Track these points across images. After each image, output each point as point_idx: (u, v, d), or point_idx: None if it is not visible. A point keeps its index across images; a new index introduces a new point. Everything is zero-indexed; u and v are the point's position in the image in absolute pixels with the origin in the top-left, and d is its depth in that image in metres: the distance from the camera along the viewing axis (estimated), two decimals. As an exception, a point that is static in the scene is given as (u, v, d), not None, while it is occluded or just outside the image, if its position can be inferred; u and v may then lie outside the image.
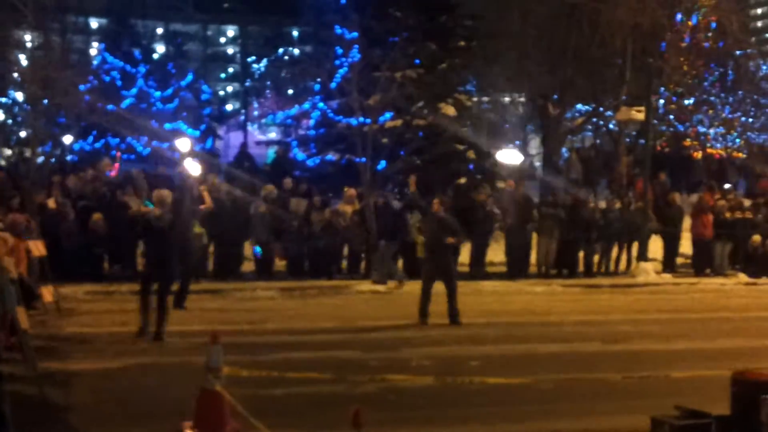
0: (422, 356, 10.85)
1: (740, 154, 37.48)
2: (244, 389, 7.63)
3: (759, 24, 45.37)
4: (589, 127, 33.94)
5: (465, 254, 19.36)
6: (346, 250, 19.05)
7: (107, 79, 34.78)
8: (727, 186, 27.21)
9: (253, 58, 52.09)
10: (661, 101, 30.84)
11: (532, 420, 8.09)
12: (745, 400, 7.51)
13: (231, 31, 70.15)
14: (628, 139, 28.37)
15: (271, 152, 31.24)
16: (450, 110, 23.82)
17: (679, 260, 20.88)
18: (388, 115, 22.33)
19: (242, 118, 46.92)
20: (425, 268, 13.68)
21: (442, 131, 23.41)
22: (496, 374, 9.77)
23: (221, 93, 59.16)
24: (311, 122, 26.27)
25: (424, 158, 22.68)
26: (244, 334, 12.07)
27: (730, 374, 7.75)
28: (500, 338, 12.31)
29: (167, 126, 34.01)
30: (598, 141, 36.50)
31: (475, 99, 28.40)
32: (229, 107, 54.62)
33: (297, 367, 9.58)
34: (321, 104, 25.06)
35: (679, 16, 24.82)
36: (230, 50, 69.32)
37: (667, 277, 19.78)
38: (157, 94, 36.73)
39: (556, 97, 27.52)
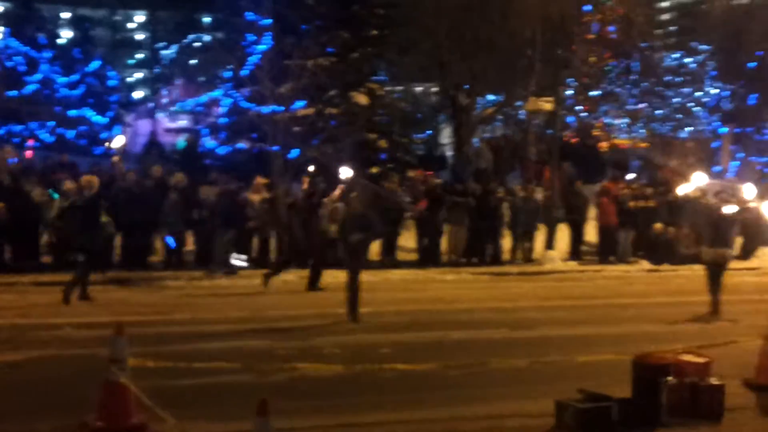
0: (332, 345, 10.85)
1: (645, 144, 38.45)
2: (150, 380, 7.50)
3: (664, 17, 46.59)
4: (500, 117, 34.38)
5: (375, 243, 19.43)
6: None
7: (10, 64, 33.74)
8: (631, 175, 27.91)
9: (163, 44, 51.20)
10: (569, 92, 31.41)
11: (441, 406, 8.16)
12: (645, 383, 7.75)
13: (140, 17, 68.73)
14: (536, 129, 28.84)
15: (181, 140, 30.81)
16: (362, 99, 23.88)
17: (585, 248, 21.33)
18: (300, 103, 22.25)
19: (151, 105, 46.09)
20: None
21: (354, 120, 23.43)
22: (406, 361, 9.80)
23: (129, 80, 57.92)
24: (222, 110, 25.99)
25: (337, 147, 22.68)
26: (151, 325, 11.88)
27: (632, 358, 7.98)
28: (410, 326, 12.39)
29: (73, 113, 33.17)
30: (507, 131, 36.99)
31: (387, 88, 28.50)
32: (137, 94, 53.55)
33: (205, 358, 9.46)
34: (232, 92, 24.81)
35: (586, 8, 25.30)
36: (139, 36, 67.91)
37: (573, 264, 20.20)
38: (63, 80, 35.78)
39: (467, 87, 27.79)
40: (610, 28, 29.49)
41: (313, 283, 15.77)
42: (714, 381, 7.90)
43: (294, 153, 21.55)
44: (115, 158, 16.10)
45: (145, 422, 7.04)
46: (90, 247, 13.66)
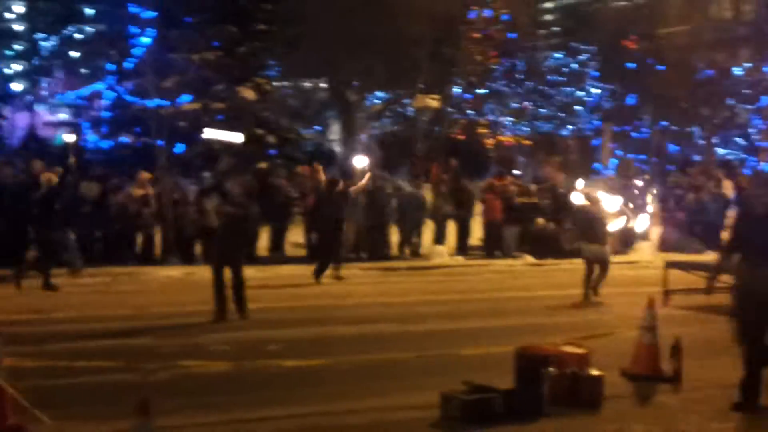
0: (218, 341, 10.71)
1: (528, 142, 39.28)
2: (27, 381, 7.26)
3: (547, 17, 47.76)
4: (388, 113, 34.59)
5: (264, 239, 19.32)
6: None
7: None
8: (516, 172, 28.50)
9: (43, 35, 49.40)
10: (456, 90, 31.86)
11: (329, 401, 8.16)
12: (527, 373, 7.91)
13: (19, 7, 66.22)
14: (424, 126, 29.15)
15: (60, 135, 29.85)
16: (250, 94, 23.65)
17: (471, 243, 21.66)
18: (185, 97, 21.86)
19: (30, 98, 44.40)
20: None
21: (241, 115, 23.18)
22: (294, 357, 9.79)
23: (7, 71, 55.70)
24: (105, 103, 25.34)
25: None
26: (30, 324, 11.51)
27: (515, 350, 8.15)
28: (299, 322, 12.34)
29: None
30: (396, 127, 37.25)
31: (275, 83, 28.30)
32: (15, 87, 51.52)
33: (86, 356, 9.22)
34: (115, 85, 24.22)
35: (473, 8, 25.71)
36: (17, 27, 65.42)
37: (460, 259, 20.50)
38: (-63, 72, 34.15)
39: (356, 83, 27.86)
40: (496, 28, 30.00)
41: (318, 274, 16.37)
42: (593, 371, 8.13)
43: (179, 148, 21.18)
44: None
45: (22, 424, 6.80)
46: None
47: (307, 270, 18.10)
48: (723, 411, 7.96)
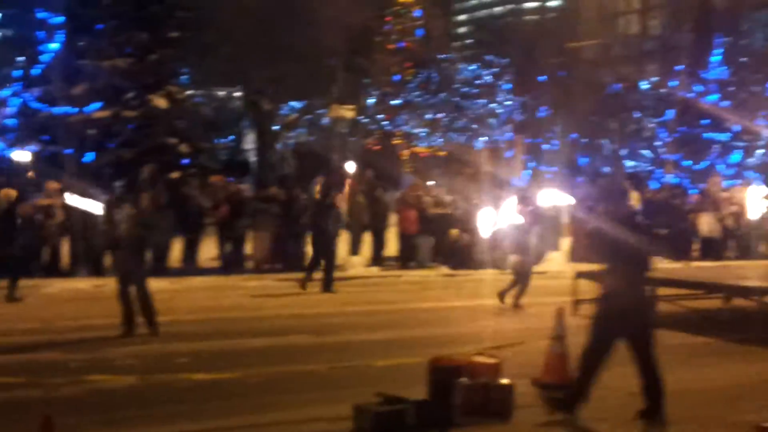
0: (126, 355, 10.48)
1: (443, 153, 39.68)
2: None
3: (461, 30, 48.35)
4: (304, 123, 34.52)
5: (177, 250, 19.04)
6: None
7: None
8: (430, 183, 28.70)
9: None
10: (371, 100, 31.99)
11: (239, 414, 8.05)
12: (440, 384, 7.94)
13: None
14: (339, 136, 29.15)
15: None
16: (162, 102, 23.26)
17: (386, 254, 21.71)
18: (95, 105, 21.40)
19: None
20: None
21: (153, 124, 22.80)
22: (205, 370, 9.64)
23: None
24: (11, 110, 24.64)
25: (135, 151, 21.98)
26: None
27: (428, 361, 8.18)
28: (210, 334, 12.16)
29: None
30: (311, 137, 37.20)
31: (188, 92, 27.94)
32: None
33: (-12, 372, 8.91)
34: (21, 92, 23.57)
35: (388, 21, 25.85)
36: None
37: (375, 270, 20.52)
38: None
39: (270, 93, 27.72)
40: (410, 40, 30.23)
41: (328, 285, 16.80)
42: (504, 381, 8.20)
43: (89, 157, 20.72)
44: None
45: None
46: None
47: (221, 281, 17.91)
48: (631, 418, 8.12)
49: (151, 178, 14.00)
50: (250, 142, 35.69)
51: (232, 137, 34.20)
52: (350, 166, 18.17)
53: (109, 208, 17.81)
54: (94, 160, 21.10)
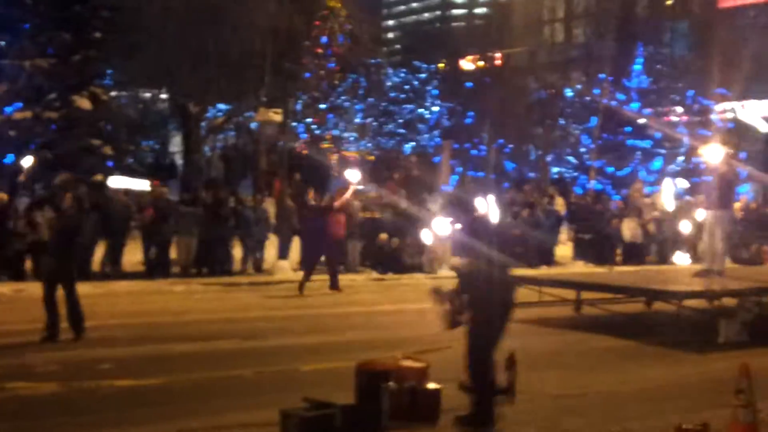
0: (48, 361, 10.23)
1: (372, 157, 39.77)
2: None
3: (390, 35, 48.53)
4: (231, 126, 34.21)
5: (100, 254, 18.69)
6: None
7: None
8: (359, 187, 28.67)
9: None
10: (299, 104, 31.89)
11: (164, 421, 7.92)
12: (367, 389, 7.93)
13: None
14: (267, 140, 28.99)
15: None
16: (85, 103, 22.84)
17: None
18: (16, 105, 20.91)
19: None
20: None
21: (76, 125, 22.35)
22: (129, 377, 9.47)
23: None
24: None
25: (57, 153, 21.53)
26: None
27: (355, 365, 8.16)
28: (134, 340, 11.96)
29: None
30: (239, 141, 36.91)
31: (113, 93, 27.48)
32: None
33: None
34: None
35: (316, 24, 25.81)
36: None
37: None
38: None
39: (197, 95, 27.42)
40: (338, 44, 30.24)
41: (334, 284, 17.50)
42: (432, 385, 8.23)
43: (9, 158, 20.22)
44: None
45: None
46: None
47: (146, 286, 17.63)
48: (555, 421, 8.23)
49: (68, 183, 13.65)
50: (176, 144, 35.26)
51: (157, 140, 33.72)
52: (352, 174, 18.48)
53: (30, 210, 17.52)
54: (14, 162, 20.59)
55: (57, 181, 14.23)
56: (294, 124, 34.87)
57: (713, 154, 15.62)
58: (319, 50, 28.51)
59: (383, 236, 21.38)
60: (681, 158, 34.38)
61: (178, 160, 32.88)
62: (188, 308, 15.29)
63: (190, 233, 19.34)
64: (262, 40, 23.76)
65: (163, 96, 32.90)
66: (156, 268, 19.00)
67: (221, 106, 31.16)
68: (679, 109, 35.38)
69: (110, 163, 23.19)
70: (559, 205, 25.33)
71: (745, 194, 30.58)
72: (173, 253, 19.64)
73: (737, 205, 22.17)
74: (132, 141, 25.20)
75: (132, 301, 15.90)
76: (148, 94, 34.74)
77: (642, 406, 8.97)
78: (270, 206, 21.66)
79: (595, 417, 8.42)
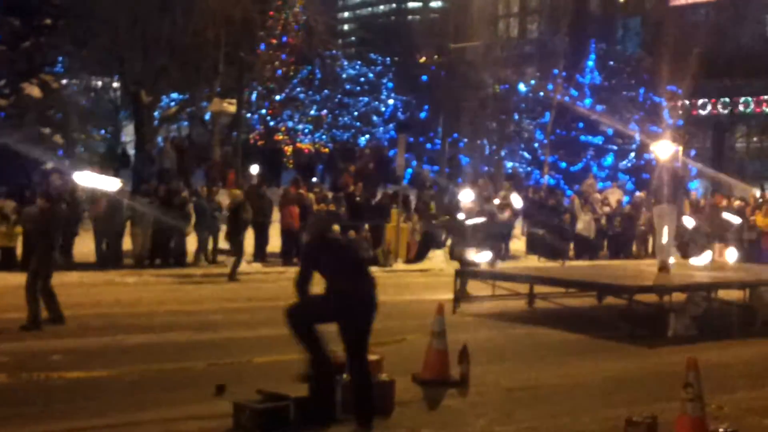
0: (-3, 353, 10.08)
1: (327, 150, 39.66)
2: None
3: (345, 27, 48.49)
4: (185, 116, 33.85)
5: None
6: None
7: None
8: (314, 179, 28.63)
9: None
10: (254, 95, 31.65)
11: (114, 412, 7.84)
12: (322, 381, 7.91)
13: None
14: (221, 131, 28.76)
15: None
16: (35, 91, 22.44)
17: (269, 250, 21.54)
18: (-37, 92, 20.50)
19: None
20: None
21: (25, 113, 21.96)
22: (79, 368, 9.37)
23: None
24: None
25: (6, 141, 21.13)
26: None
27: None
28: (85, 331, 11.82)
29: None
30: (193, 131, 36.57)
31: (64, 81, 27.04)
32: None
33: None
34: None
35: (271, 15, 25.65)
36: None
37: (258, 266, 20.33)
38: None
39: (150, 84, 27.04)
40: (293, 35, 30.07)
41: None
42: (385, 377, 8.24)
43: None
44: None
45: None
46: None
47: (98, 277, 17.41)
48: (508, 413, 8.29)
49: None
50: (128, 134, 34.79)
51: (109, 129, 33.25)
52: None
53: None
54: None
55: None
56: (248, 115, 34.68)
57: (664, 150, 15.86)
58: (274, 41, 28.33)
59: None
60: (632, 154, 34.79)
61: (130, 150, 32.45)
62: (140, 300, 15.15)
63: (144, 224, 19.13)
64: (216, 29, 23.48)
65: (115, 84, 32.44)
66: (108, 259, 18.78)
67: (175, 95, 30.85)
68: (631, 106, 35.77)
69: (60, 152, 22.83)
70: (515, 199, 25.47)
71: (695, 191, 31.08)
72: (126, 244, 19.42)
73: (687, 202, 22.54)
74: (83, 130, 24.81)
75: (83, 293, 15.69)
76: (99, 83, 34.22)
77: (593, 398, 9.08)
78: (224, 198, 21.50)
79: (547, 409, 8.51)
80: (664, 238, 15.14)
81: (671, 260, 15.24)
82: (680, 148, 16.26)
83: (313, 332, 7.76)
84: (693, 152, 36.27)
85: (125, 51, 25.72)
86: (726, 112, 43.83)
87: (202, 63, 26.97)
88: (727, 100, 43.26)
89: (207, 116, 30.44)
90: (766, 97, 42.36)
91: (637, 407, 8.05)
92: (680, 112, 38.13)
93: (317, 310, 7.80)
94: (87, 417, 7.70)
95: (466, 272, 15.46)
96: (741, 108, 43.44)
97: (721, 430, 7.06)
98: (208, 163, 27.74)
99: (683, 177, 15.91)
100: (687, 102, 40.20)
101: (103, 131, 31.98)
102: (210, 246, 20.51)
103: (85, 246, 19.28)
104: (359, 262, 8.25)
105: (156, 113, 28.28)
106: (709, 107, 43.92)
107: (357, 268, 7.98)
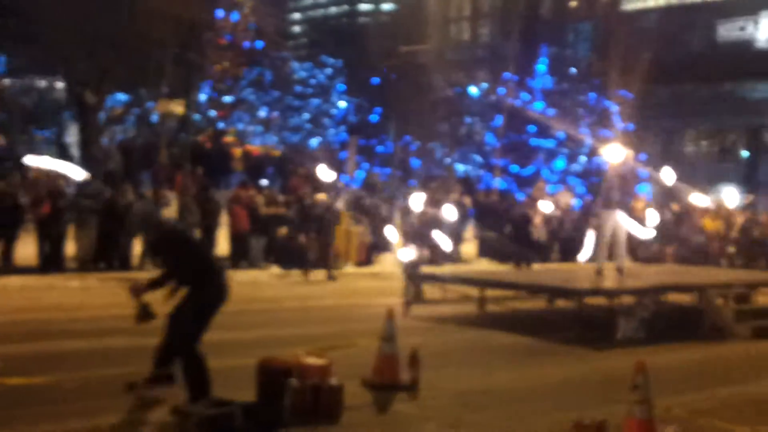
0: (-70, 360, 9.72)
1: (277, 152, 39.39)
2: None
3: (296, 29, 48.20)
4: (131, 117, 33.37)
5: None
6: None
7: None
8: (263, 182, 28.39)
9: None
10: (203, 96, 31.29)
11: (54, 420, 7.60)
12: (269, 386, 7.77)
13: None
14: (169, 132, 28.37)
15: None
16: (-24, 91, 21.94)
17: (217, 253, 21.23)
18: None
19: None
20: None
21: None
22: (18, 374, 9.07)
23: None
24: None
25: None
26: None
27: (257, 362, 7.97)
28: (25, 336, 11.47)
29: None
30: (139, 132, 36.05)
31: (6, 81, 26.47)
32: None
33: None
34: None
35: (219, 14, 25.34)
36: None
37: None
38: None
39: (95, 84, 26.59)
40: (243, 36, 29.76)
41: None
42: (334, 382, 8.10)
43: None
44: None
45: None
46: None
47: (40, 281, 16.99)
48: (458, 418, 8.19)
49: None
50: (72, 135, 34.13)
51: (53, 130, 32.61)
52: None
53: None
54: None
55: None
56: (197, 116, 34.28)
57: (614, 154, 15.91)
58: (223, 42, 28.03)
59: (284, 230, 21.15)
60: (583, 158, 35.06)
61: (75, 152, 31.87)
62: (82, 304, 14.78)
63: (89, 227, 18.73)
64: (162, 30, 23.12)
65: (60, 84, 31.83)
66: (50, 263, 18.34)
67: (121, 96, 30.35)
68: (581, 110, 36.09)
69: (1, 153, 22.31)
70: (465, 202, 25.47)
71: (645, 195, 31.41)
72: (70, 248, 19.00)
73: (640, 205, 22.73)
74: (26, 131, 24.25)
75: (24, 297, 15.29)
76: (43, 83, 33.56)
77: (542, 402, 9.02)
78: (171, 200, 21.15)
79: (497, 413, 8.44)
80: (613, 242, 15.20)
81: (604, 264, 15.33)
82: (630, 152, 16.31)
83: None
84: (643, 156, 36.71)
85: (70, 51, 25.22)
86: (676, 116, 44.50)
87: (149, 63, 26.55)
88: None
89: (154, 118, 29.99)
90: (713, 101, 43.10)
91: (586, 410, 7.99)
92: (630, 116, 38.55)
93: None
94: (27, 424, 7.45)
95: (418, 276, 15.36)
96: (690, 113, 44.16)
97: (669, 431, 7.03)
98: (154, 166, 27.31)
99: (631, 180, 15.97)
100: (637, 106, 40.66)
101: (46, 132, 31.38)
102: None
103: (26, 249, 18.82)
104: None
105: (101, 114, 27.78)
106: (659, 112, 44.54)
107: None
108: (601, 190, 16.02)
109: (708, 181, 38.76)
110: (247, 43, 30.30)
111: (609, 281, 14.35)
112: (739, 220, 26.10)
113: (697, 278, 15.95)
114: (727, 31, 44.74)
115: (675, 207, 26.77)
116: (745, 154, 45.53)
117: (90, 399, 8.40)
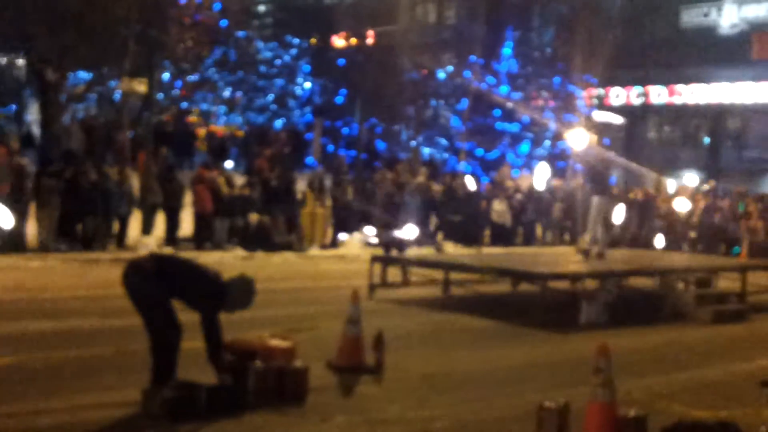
0: None
1: (241, 133, 39.09)
2: None
3: (260, 8, 47.97)
4: (93, 95, 32.92)
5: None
6: None
7: None
8: (228, 163, 28.19)
9: None
10: (166, 75, 30.94)
11: (17, 402, 7.52)
12: (233, 369, 7.76)
13: None
14: (131, 111, 28.04)
15: None
16: (-65, 68, 21.53)
17: (181, 234, 21.11)
18: None
19: None
20: None
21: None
22: (-22, 356, 8.98)
23: None
24: None
25: None
26: None
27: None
28: (-14, 317, 11.35)
29: None
30: (101, 111, 35.60)
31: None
32: None
33: None
34: None
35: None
36: None
37: (169, 250, 19.88)
38: None
39: (56, 62, 26.14)
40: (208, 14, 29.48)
41: None
42: (299, 364, 8.11)
43: None
44: None
45: None
46: None
47: (-2, 261, 16.80)
48: (422, 399, 8.23)
49: None
50: (33, 113, 33.60)
51: (13, 107, 32.07)
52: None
53: None
54: None
55: None
56: (160, 95, 33.93)
57: (577, 139, 16.06)
58: (187, 19, 27.70)
59: (254, 215, 21.06)
60: (548, 142, 35.24)
61: (36, 130, 31.39)
62: (44, 285, 14.61)
63: (48, 207, 18.50)
64: (125, 6, 22.76)
65: (20, 62, 31.30)
66: (11, 242, 18.10)
67: (82, 74, 29.92)
68: (546, 94, 36.23)
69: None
70: (435, 189, 25.49)
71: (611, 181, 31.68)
72: (31, 227, 18.76)
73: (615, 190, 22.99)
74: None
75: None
76: (3, 60, 32.99)
77: (506, 384, 9.10)
78: (134, 180, 20.96)
79: (461, 395, 8.50)
80: (597, 228, 15.40)
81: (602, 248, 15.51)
82: (594, 137, 16.47)
83: None
84: (606, 141, 36.99)
85: (30, 27, 24.74)
86: (639, 101, 44.84)
87: (111, 41, 26.14)
88: (640, 89, 44.26)
89: (116, 96, 29.62)
90: (678, 87, 43.48)
91: (549, 393, 8.08)
92: (594, 101, 38.78)
93: None
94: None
95: (383, 258, 15.39)
96: (653, 98, 44.52)
97: (630, 414, 7.13)
98: (117, 145, 27.00)
99: (605, 167, 16.15)
100: (601, 91, 40.93)
101: (6, 110, 30.89)
102: (120, 230, 19.97)
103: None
104: None
105: (63, 93, 27.38)
106: (622, 97, 44.88)
107: None
108: (592, 177, 16.15)
109: (669, 167, 39.15)
110: (211, 22, 29.98)
111: (573, 265, 14.49)
112: (700, 205, 26.45)
113: (659, 263, 16.15)
114: (691, 17, 45.13)
115: (638, 193, 27.05)
116: (706, 140, 46.04)
117: (54, 380, 8.34)
